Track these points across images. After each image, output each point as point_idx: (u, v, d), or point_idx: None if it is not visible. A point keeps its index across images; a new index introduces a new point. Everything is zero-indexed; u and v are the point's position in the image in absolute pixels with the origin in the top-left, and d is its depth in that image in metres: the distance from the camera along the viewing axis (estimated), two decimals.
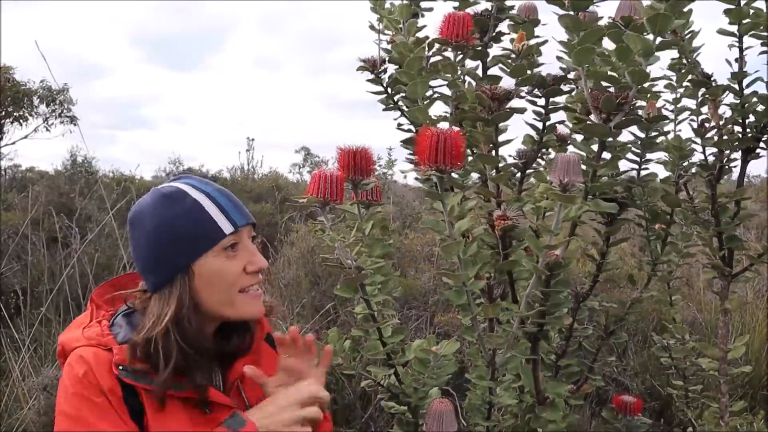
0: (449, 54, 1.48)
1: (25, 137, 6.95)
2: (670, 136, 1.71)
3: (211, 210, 1.03)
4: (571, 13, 1.31)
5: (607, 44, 1.38)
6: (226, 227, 1.02)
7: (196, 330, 1.01)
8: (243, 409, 1.07)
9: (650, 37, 1.23)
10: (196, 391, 1.00)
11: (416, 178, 1.44)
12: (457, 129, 1.45)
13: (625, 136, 1.44)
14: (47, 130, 6.99)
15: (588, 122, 1.33)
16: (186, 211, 1.02)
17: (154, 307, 1.02)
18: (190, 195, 1.04)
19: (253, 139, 8.29)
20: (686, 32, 1.60)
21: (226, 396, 1.06)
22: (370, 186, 1.43)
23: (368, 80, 1.60)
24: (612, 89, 1.30)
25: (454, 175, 1.27)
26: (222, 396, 1.05)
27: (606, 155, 1.37)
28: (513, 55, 1.49)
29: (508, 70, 1.49)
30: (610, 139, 1.33)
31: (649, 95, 1.56)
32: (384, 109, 1.61)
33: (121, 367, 0.97)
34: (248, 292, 1.05)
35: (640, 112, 1.43)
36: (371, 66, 1.58)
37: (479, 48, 1.56)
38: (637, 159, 1.55)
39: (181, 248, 1.01)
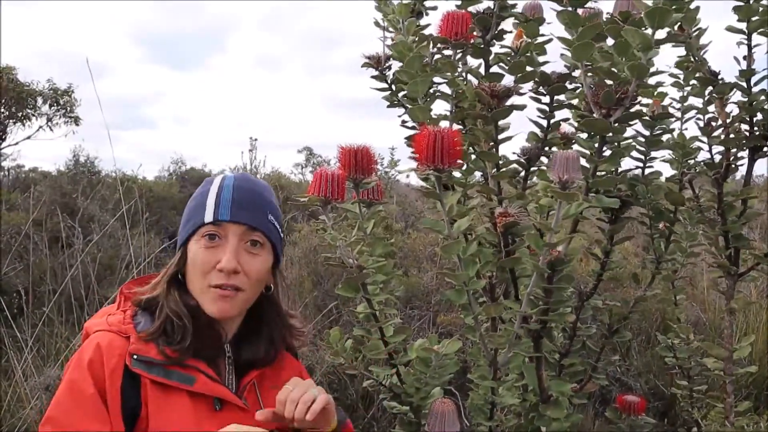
0: (449, 52, 1.47)
1: (28, 138, 6.96)
2: (676, 133, 1.70)
3: (210, 199, 1.09)
4: (569, 9, 1.30)
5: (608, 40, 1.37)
6: (208, 216, 1.08)
7: (178, 301, 1.06)
8: (257, 410, 1.09)
9: (649, 31, 1.22)
10: (178, 352, 1.02)
11: (419, 178, 1.43)
12: (457, 127, 1.44)
13: (629, 133, 1.43)
14: (51, 130, 7.01)
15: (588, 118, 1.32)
16: (196, 195, 1.14)
17: None
18: (211, 184, 1.13)
19: (256, 139, 8.24)
20: (693, 29, 1.58)
21: (238, 396, 1.08)
22: (371, 185, 1.42)
23: (372, 77, 1.59)
24: (612, 84, 1.28)
25: (456, 174, 1.26)
26: (230, 394, 1.06)
27: (608, 151, 1.36)
28: (512, 53, 1.49)
29: (507, 68, 1.48)
30: (611, 134, 1.32)
31: (656, 93, 1.54)
32: (388, 106, 1.60)
33: (135, 357, 1.01)
34: (219, 289, 1.06)
35: (643, 109, 1.42)
36: (375, 62, 1.57)
37: (481, 46, 1.55)
38: (642, 157, 1.54)
39: (183, 225, 1.13)
